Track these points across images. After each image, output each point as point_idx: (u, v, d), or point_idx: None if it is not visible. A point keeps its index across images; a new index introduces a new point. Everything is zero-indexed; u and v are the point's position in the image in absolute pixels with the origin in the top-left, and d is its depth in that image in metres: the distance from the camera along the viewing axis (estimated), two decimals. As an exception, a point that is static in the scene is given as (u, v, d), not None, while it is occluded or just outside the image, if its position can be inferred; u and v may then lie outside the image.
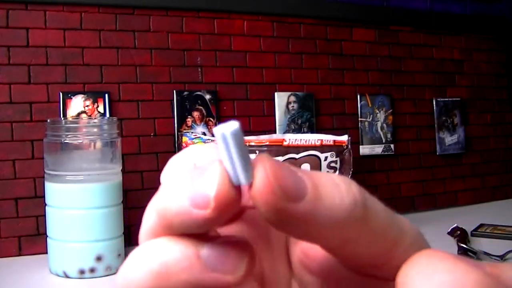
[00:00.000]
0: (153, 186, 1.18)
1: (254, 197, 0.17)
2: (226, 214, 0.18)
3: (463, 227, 1.12)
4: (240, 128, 0.18)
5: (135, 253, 0.20)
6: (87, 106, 1.12)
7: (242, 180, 0.18)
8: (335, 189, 0.18)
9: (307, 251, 0.22)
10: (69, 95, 1.10)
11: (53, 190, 0.94)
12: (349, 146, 1.12)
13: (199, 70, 1.23)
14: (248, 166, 0.18)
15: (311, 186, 0.18)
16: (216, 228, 0.20)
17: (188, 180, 0.18)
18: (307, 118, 1.33)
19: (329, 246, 0.19)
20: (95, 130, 0.97)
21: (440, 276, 0.17)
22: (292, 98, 1.32)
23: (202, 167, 0.19)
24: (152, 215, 0.19)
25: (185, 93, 1.21)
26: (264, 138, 1.08)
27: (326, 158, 1.08)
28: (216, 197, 0.17)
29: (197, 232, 0.19)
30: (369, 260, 0.20)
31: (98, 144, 0.97)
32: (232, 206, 0.18)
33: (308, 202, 0.17)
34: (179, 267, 0.18)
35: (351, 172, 1.11)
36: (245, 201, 0.19)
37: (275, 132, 1.28)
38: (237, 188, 0.18)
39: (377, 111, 1.43)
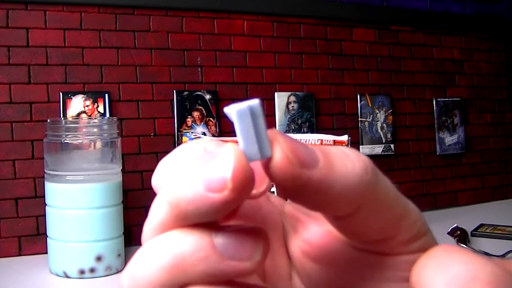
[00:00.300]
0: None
1: (274, 167, 0.18)
2: (244, 196, 0.18)
3: (463, 227, 1.12)
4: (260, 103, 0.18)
5: (143, 249, 0.19)
6: (87, 106, 1.12)
7: (266, 153, 0.18)
8: (345, 157, 0.19)
9: (309, 240, 0.22)
10: (69, 95, 1.11)
11: (53, 190, 0.94)
12: (349, 146, 1.12)
13: (199, 70, 1.23)
14: (268, 140, 0.18)
15: (322, 155, 0.19)
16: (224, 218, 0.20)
17: (200, 165, 0.18)
18: (307, 118, 1.33)
19: (342, 215, 0.20)
20: (95, 130, 0.97)
21: (456, 268, 0.17)
22: (292, 98, 1.32)
23: (212, 151, 0.19)
24: (162, 207, 0.19)
25: (185, 93, 1.21)
26: (264, 138, 1.08)
27: (326, 158, 1.08)
28: (234, 177, 0.17)
29: (213, 220, 0.19)
30: (378, 232, 0.20)
31: (98, 144, 0.97)
32: (249, 186, 0.18)
33: (322, 169, 0.18)
34: (195, 258, 0.18)
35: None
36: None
37: (275, 132, 1.28)
38: (251, 167, 0.18)
39: (377, 111, 1.43)
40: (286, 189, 0.18)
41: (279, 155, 0.18)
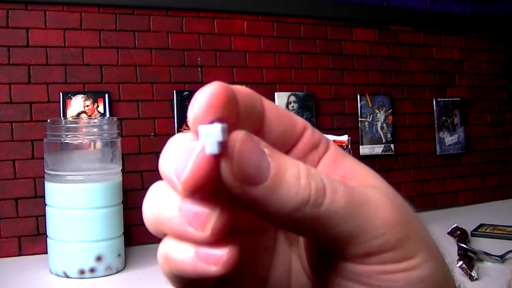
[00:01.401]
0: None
1: (222, 175, 0.19)
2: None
3: (463, 227, 1.12)
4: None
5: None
6: (87, 106, 1.12)
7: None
8: (295, 181, 0.20)
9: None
10: (69, 95, 1.10)
11: (53, 190, 0.94)
12: (349, 146, 1.12)
13: (199, 70, 1.23)
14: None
15: (273, 176, 0.19)
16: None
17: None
18: (307, 118, 1.33)
19: (286, 227, 0.21)
20: (95, 130, 0.97)
21: None
22: (292, 98, 1.32)
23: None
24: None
25: (185, 93, 1.21)
26: (264, 138, 1.08)
27: (326, 158, 1.08)
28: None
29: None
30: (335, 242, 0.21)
31: (98, 144, 0.97)
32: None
33: (263, 189, 0.19)
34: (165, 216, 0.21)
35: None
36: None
37: (275, 132, 1.28)
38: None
39: (377, 111, 1.43)
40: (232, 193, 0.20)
41: (225, 167, 0.19)
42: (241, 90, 0.22)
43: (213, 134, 0.19)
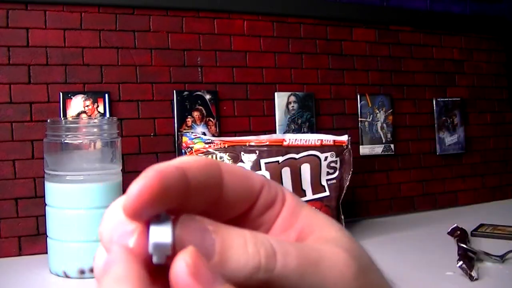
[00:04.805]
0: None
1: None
2: None
3: (463, 227, 1.11)
4: None
5: None
6: (87, 106, 1.12)
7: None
8: (243, 251, 0.20)
9: None
10: (69, 95, 1.10)
11: (53, 190, 0.94)
12: (349, 146, 1.12)
13: (199, 70, 1.23)
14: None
15: (219, 251, 0.20)
16: None
17: None
18: (307, 118, 1.33)
19: None
20: (95, 130, 0.97)
21: None
22: (292, 98, 1.32)
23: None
24: None
25: (185, 93, 1.21)
26: (264, 138, 1.08)
27: (326, 158, 1.09)
28: None
29: None
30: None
31: (98, 144, 0.97)
32: None
33: (214, 265, 0.20)
34: None
35: (351, 172, 1.11)
36: None
37: (275, 132, 1.28)
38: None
39: (377, 111, 1.43)
40: None
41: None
42: (194, 165, 0.22)
43: (163, 247, 0.20)
